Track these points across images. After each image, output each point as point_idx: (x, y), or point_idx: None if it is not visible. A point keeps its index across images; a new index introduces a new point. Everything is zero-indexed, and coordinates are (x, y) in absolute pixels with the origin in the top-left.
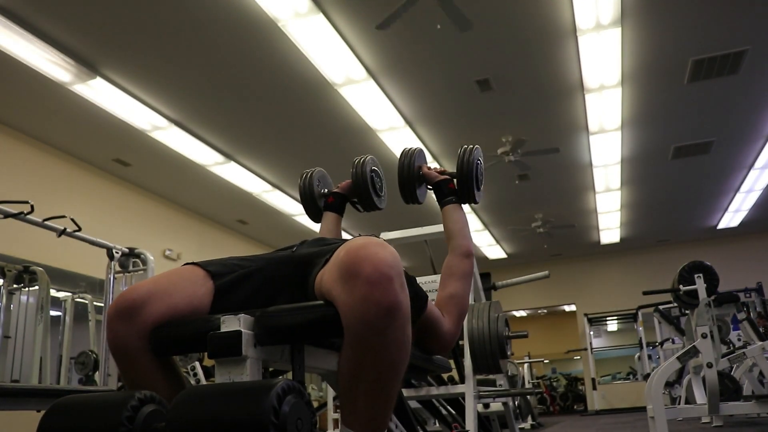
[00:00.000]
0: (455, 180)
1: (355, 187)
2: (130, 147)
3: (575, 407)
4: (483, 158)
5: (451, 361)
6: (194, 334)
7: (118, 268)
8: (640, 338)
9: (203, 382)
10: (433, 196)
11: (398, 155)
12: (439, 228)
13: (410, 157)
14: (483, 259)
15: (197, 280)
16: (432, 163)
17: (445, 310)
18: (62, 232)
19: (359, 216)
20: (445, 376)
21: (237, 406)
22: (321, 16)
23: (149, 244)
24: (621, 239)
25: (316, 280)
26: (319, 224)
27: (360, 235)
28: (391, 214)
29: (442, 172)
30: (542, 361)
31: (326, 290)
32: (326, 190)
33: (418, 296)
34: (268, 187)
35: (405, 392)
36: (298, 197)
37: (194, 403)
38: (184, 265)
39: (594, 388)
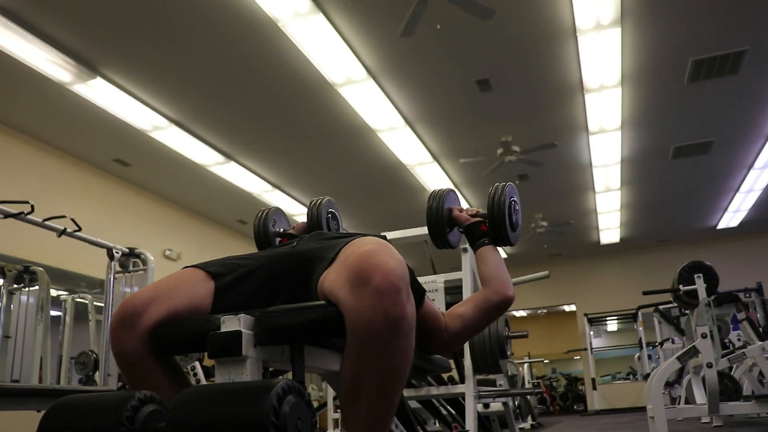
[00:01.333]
0: (487, 221)
1: (310, 230)
2: (130, 147)
3: (575, 407)
4: (514, 194)
5: (451, 361)
6: (194, 334)
7: (118, 268)
8: (640, 338)
9: (203, 382)
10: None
11: (400, 158)
12: None
13: (439, 200)
14: None
15: (197, 282)
16: (464, 204)
17: (450, 320)
18: (62, 232)
19: (359, 216)
20: (445, 376)
21: (237, 406)
22: (321, 16)
23: (149, 244)
24: (621, 239)
25: (319, 280)
26: None
27: (364, 235)
28: (391, 213)
29: (474, 215)
30: (542, 361)
31: (329, 291)
32: (282, 229)
33: (415, 288)
34: (268, 187)
35: (405, 392)
36: (299, 197)
37: (194, 403)
38: (184, 268)
39: (594, 388)
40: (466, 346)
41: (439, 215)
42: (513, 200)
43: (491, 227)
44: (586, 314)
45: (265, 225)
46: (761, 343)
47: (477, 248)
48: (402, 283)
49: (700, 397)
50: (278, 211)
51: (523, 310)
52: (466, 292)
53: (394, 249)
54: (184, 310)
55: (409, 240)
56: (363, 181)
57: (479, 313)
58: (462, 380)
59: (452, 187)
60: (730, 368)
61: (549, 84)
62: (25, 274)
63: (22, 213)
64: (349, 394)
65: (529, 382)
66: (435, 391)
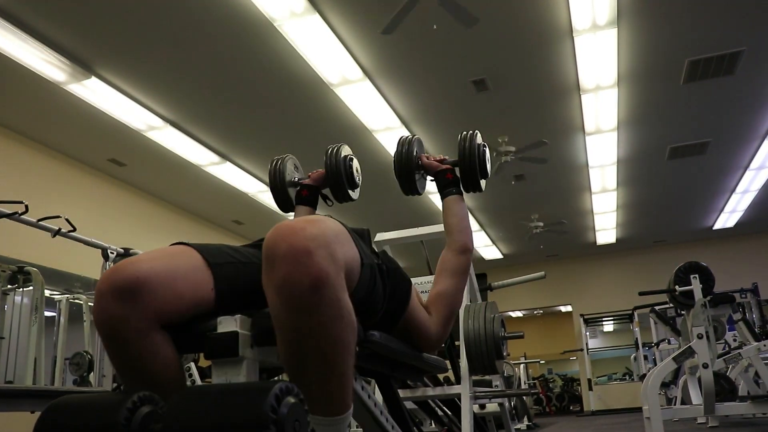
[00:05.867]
0: (456, 169)
1: (328, 177)
2: (126, 147)
3: (571, 408)
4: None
5: (448, 362)
6: (191, 334)
7: None
8: (636, 339)
9: (198, 382)
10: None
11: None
12: (435, 228)
13: (408, 145)
14: (479, 260)
15: (198, 266)
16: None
17: (434, 308)
18: (57, 233)
19: (355, 216)
20: (441, 376)
21: (235, 408)
22: (317, 16)
23: (144, 244)
24: (617, 240)
25: None
26: (292, 215)
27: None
28: (388, 214)
29: (441, 161)
30: (538, 361)
31: (263, 283)
32: (297, 178)
33: (395, 297)
34: (264, 187)
35: (401, 393)
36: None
37: (191, 405)
38: (176, 244)
39: (590, 388)
40: (462, 347)
41: (409, 160)
42: (484, 147)
43: (463, 174)
44: (582, 315)
45: (281, 173)
46: (757, 343)
47: (444, 196)
48: (314, 243)
49: (696, 397)
50: (294, 160)
51: (520, 310)
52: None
53: (325, 219)
54: (189, 298)
55: (406, 240)
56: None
57: (450, 278)
58: (458, 381)
59: None
60: (726, 369)
61: (545, 84)
62: (19, 274)
63: (16, 213)
64: (295, 378)
65: (525, 383)
66: (431, 392)
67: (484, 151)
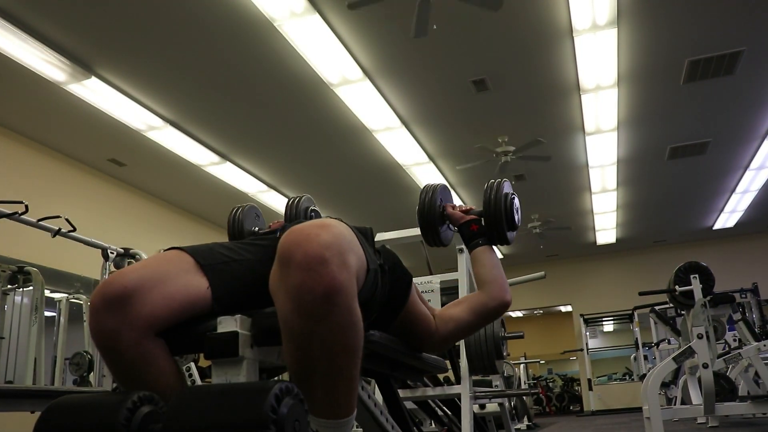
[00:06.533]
0: (482, 219)
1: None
2: (126, 147)
3: (571, 408)
4: (509, 189)
5: (448, 362)
6: (191, 334)
7: (113, 269)
8: (636, 339)
9: (198, 382)
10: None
11: (396, 158)
12: None
13: (431, 194)
14: None
15: (189, 268)
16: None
17: (443, 325)
18: (57, 233)
19: (354, 216)
20: (441, 376)
21: (235, 408)
22: (317, 16)
23: (144, 245)
24: (617, 240)
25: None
26: None
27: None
28: (387, 213)
29: (467, 211)
30: (538, 361)
31: (271, 290)
32: (257, 228)
33: (395, 294)
34: (264, 187)
35: (401, 393)
36: (294, 197)
37: (191, 405)
38: (169, 249)
39: (590, 388)
40: (462, 347)
41: (432, 211)
42: (512, 196)
43: (489, 225)
44: (582, 315)
45: (240, 223)
46: (757, 343)
47: (471, 249)
48: (329, 252)
49: (696, 397)
50: (254, 209)
51: (519, 310)
52: (462, 293)
53: (336, 224)
54: (181, 299)
55: (405, 240)
56: (359, 182)
57: (473, 317)
58: (458, 381)
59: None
60: (726, 369)
61: (545, 84)
62: (19, 274)
63: (16, 213)
64: (300, 382)
65: (525, 383)
66: (431, 392)
67: (512, 201)
